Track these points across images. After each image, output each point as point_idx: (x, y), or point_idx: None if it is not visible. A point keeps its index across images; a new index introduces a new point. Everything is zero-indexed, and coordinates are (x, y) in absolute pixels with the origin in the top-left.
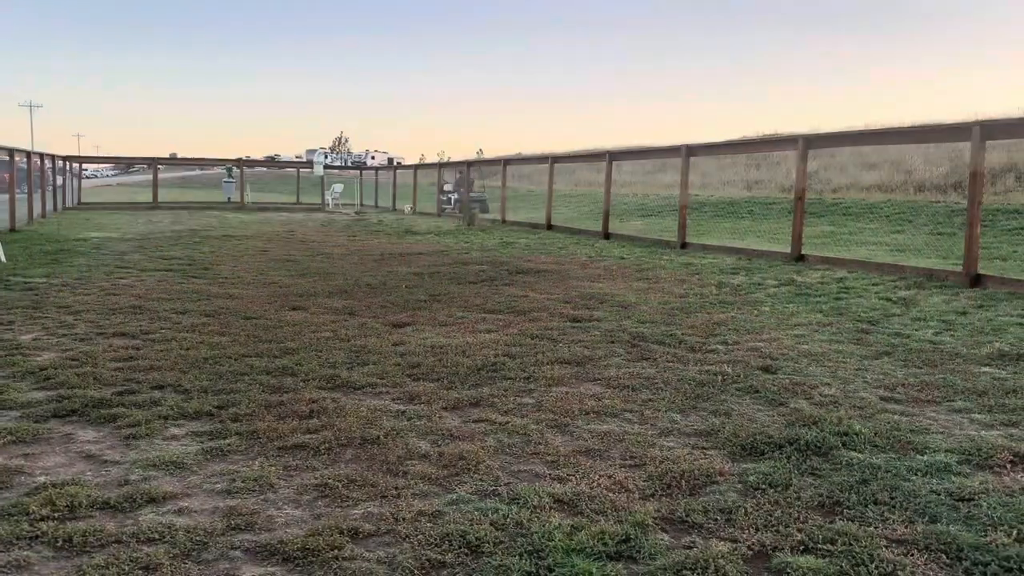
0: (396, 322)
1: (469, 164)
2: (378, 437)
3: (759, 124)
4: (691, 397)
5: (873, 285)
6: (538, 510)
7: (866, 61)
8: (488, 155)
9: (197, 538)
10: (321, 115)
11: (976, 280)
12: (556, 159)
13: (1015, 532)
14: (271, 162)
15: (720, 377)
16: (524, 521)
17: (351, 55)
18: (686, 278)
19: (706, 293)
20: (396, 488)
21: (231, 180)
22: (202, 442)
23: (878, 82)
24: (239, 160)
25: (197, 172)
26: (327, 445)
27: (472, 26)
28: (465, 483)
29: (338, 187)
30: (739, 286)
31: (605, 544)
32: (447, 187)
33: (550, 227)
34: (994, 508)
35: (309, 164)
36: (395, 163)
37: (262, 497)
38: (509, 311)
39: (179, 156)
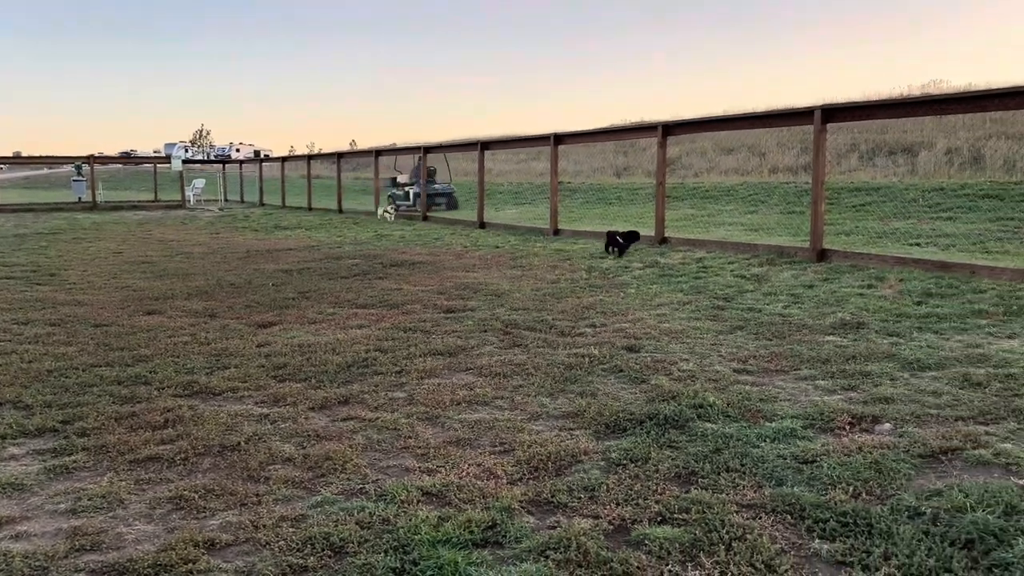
0: (261, 322)
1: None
2: (238, 443)
3: (631, 112)
4: (560, 380)
5: (729, 264)
6: (406, 504)
7: (732, 51)
8: (361, 146)
9: (36, 563)
10: (182, 107)
11: (822, 255)
12: (428, 149)
13: (851, 489)
14: (126, 158)
15: (587, 359)
16: (391, 517)
17: (217, 43)
18: (558, 264)
19: (576, 278)
20: (257, 495)
21: (81, 179)
22: (45, 460)
23: (749, 71)
24: (90, 157)
25: (45, 171)
26: (183, 455)
27: (348, 18)
28: (331, 484)
29: (199, 183)
30: (607, 270)
31: (471, 532)
32: (401, 178)
33: (426, 218)
34: (834, 468)
35: (167, 159)
36: (262, 156)
37: (111, 514)
38: (382, 305)
39: (23, 155)
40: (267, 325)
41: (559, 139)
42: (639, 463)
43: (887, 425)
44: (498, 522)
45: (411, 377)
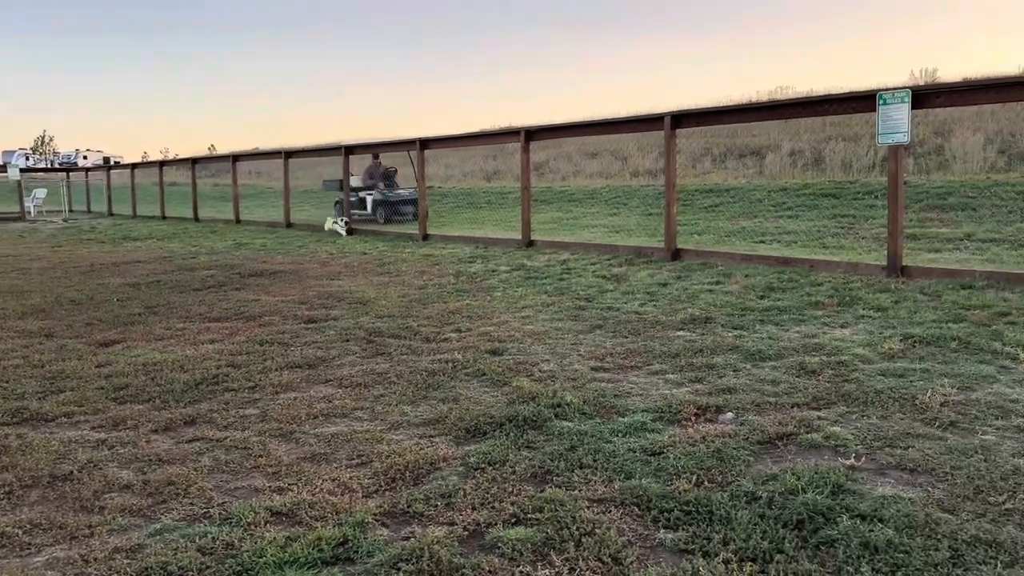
0: (103, 341)
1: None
2: (71, 472)
3: (504, 117)
4: (422, 387)
5: (592, 265)
6: (253, 527)
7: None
8: (221, 151)
9: None
10: (22, 112)
11: (676, 254)
12: (290, 153)
13: (695, 478)
14: None
15: (451, 364)
16: (235, 541)
17: (62, 44)
18: (426, 269)
19: (444, 283)
20: (89, 526)
21: None
22: None
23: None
24: None
25: None
26: (7, 489)
27: (205, 19)
28: (172, 510)
29: (41, 192)
30: (475, 274)
31: (321, 551)
32: (355, 181)
33: (289, 225)
34: (679, 458)
35: (3, 168)
36: (111, 162)
37: None
38: (237, 317)
39: None
40: (109, 343)
41: (424, 144)
42: (497, 466)
43: (729, 414)
44: (350, 538)
45: (265, 392)
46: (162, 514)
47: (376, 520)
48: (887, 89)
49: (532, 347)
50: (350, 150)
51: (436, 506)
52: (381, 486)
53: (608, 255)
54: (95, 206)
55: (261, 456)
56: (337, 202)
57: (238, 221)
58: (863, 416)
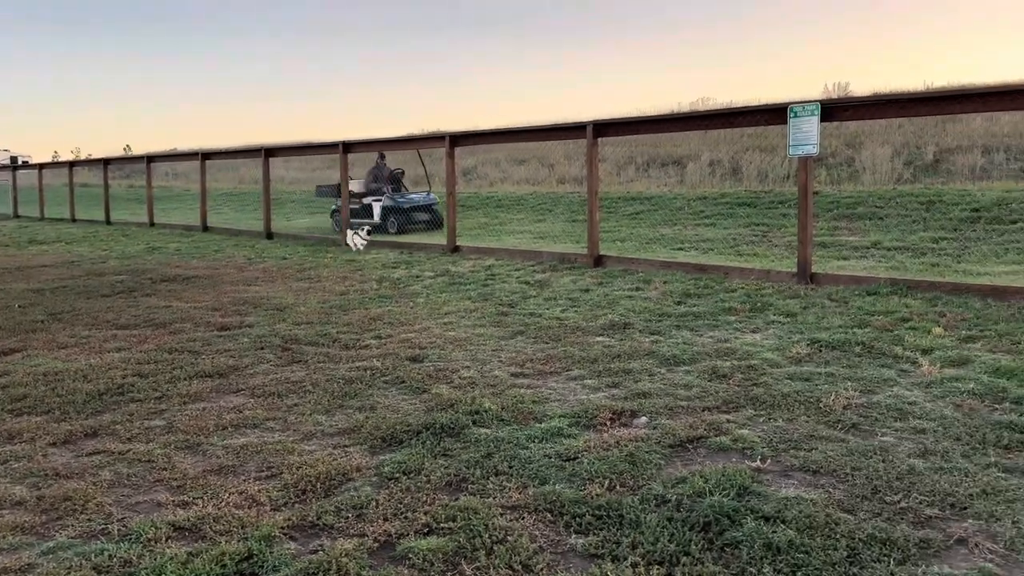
0: (1, 349)
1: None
2: None
3: (430, 121)
4: (339, 396)
5: (516, 270)
6: (153, 543)
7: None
8: (136, 151)
9: None
10: None
11: (599, 260)
12: (207, 155)
13: (607, 482)
14: None
15: (369, 372)
16: (134, 558)
17: None
18: (349, 275)
19: (366, 289)
20: None
21: None
22: None
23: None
24: None
25: None
26: None
27: (116, 14)
28: (68, 527)
29: None
30: (399, 279)
31: (224, 567)
32: (355, 186)
33: (206, 228)
34: (593, 463)
35: None
36: (18, 162)
37: None
38: (147, 325)
39: None
40: (7, 353)
41: (348, 147)
42: (412, 475)
43: (643, 418)
44: (255, 552)
45: (173, 403)
46: (57, 531)
47: (283, 534)
48: (798, 102)
49: (453, 354)
50: (270, 152)
51: (347, 518)
52: (290, 498)
53: (532, 261)
54: None
55: (165, 469)
56: (335, 211)
57: (152, 224)
58: (770, 419)
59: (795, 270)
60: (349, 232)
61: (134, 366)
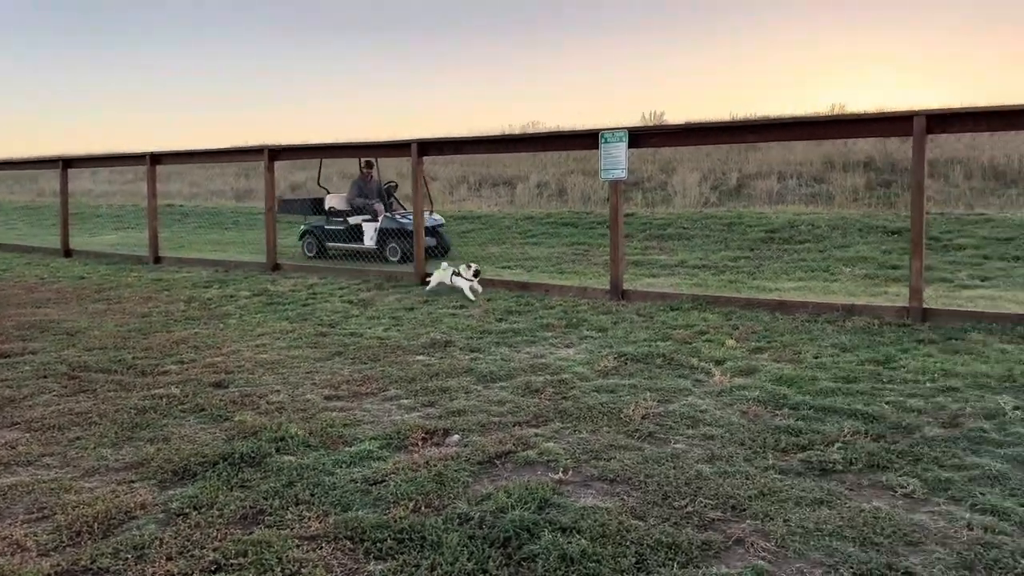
0: None
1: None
2: None
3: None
4: (128, 427)
5: (340, 289)
6: None
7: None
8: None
9: None
10: None
11: (424, 279)
12: (69, 162)
13: (412, 504)
14: None
15: (166, 400)
16: None
17: None
18: (153, 295)
19: (172, 310)
20: None
21: None
22: None
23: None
24: None
25: None
26: None
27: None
28: None
29: None
30: (210, 300)
31: None
32: (332, 201)
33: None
34: (400, 485)
35: None
36: None
37: None
38: None
39: None
40: None
41: (156, 159)
42: (203, 510)
43: (455, 436)
44: None
45: None
46: None
47: None
48: (608, 129)
49: (263, 377)
50: (68, 163)
51: (125, 559)
52: (62, 542)
53: (358, 279)
54: None
55: None
56: (306, 232)
57: None
58: (575, 431)
59: (608, 287)
60: (441, 269)
61: None
